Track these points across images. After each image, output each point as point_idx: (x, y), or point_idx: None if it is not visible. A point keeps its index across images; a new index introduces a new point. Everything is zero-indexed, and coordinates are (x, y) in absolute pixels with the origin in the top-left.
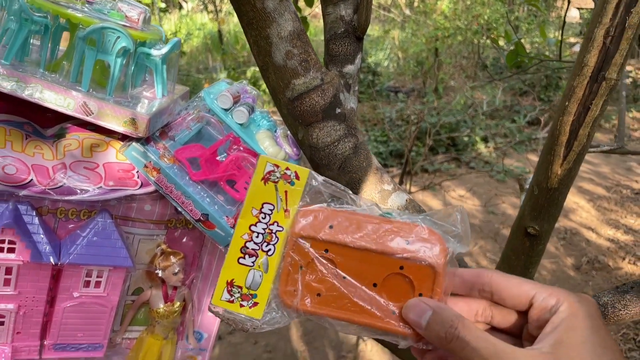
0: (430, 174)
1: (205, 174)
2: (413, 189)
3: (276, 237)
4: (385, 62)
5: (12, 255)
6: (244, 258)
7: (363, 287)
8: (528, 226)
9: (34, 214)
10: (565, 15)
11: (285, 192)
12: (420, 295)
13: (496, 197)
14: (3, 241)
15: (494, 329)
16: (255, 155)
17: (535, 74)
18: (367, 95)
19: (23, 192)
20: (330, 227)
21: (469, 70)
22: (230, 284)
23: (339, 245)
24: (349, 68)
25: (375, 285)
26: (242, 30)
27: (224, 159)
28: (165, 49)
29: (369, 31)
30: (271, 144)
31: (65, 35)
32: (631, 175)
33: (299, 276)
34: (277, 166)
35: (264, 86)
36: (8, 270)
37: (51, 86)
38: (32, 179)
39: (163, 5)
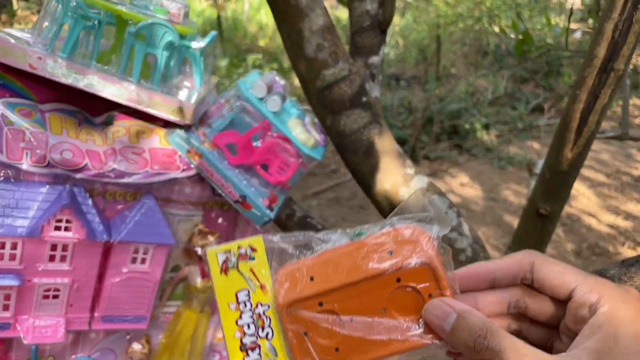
0: (432, 162)
1: (242, 159)
2: None
3: (267, 317)
4: (386, 49)
5: (69, 234)
6: (248, 355)
7: (375, 319)
8: (540, 207)
9: (87, 195)
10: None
11: (251, 269)
12: (431, 296)
13: (498, 184)
14: (61, 220)
15: (529, 320)
16: (288, 141)
17: (536, 62)
18: None
19: (79, 175)
20: (311, 279)
21: (471, 57)
22: None
23: (329, 293)
24: (374, 59)
25: (384, 310)
26: (241, 17)
27: (258, 145)
28: (203, 42)
29: None
30: (302, 131)
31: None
32: (631, 162)
33: (308, 344)
34: (229, 251)
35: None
36: (64, 247)
37: (106, 77)
38: (86, 163)
39: None
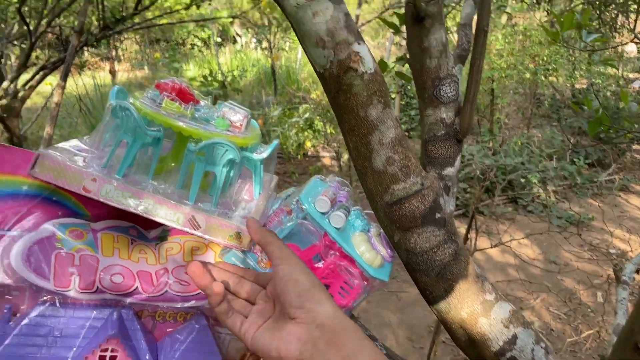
0: (485, 217)
1: None
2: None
3: None
4: None
5: None
6: None
7: None
8: None
9: (135, 319)
10: None
11: None
12: None
13: (557, 245)
14: (106, 350)
15: None
16: (352, 261)
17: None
18: (418, 132)
19: (129, 300)
20: None
21: (526, 109)
22: None
23: None
24: (449, 170)
25: None
26: (293, 65)
27: (318, 261)
28: (265, 153)
29: None
30: (367, 249)
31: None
32: None
33: None
34: None
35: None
36: None
37: (162, 201)
38: (137, 287)
39: (219, 39)
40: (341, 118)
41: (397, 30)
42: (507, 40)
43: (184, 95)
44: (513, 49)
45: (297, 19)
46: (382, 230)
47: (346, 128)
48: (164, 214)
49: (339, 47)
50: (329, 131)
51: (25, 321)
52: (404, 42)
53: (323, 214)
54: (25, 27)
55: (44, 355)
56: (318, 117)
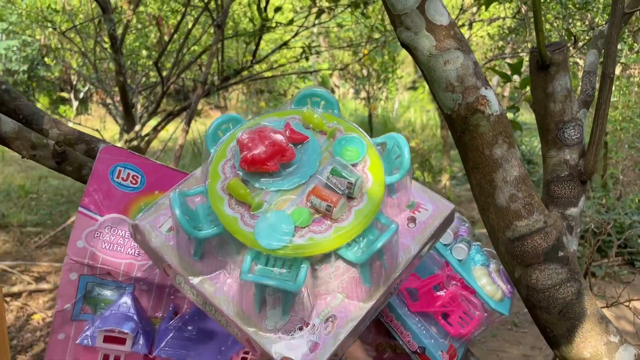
0: (597, 279)
1: (422, 306)
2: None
3: None
4: None
5: None
6: None
7: None
8: None
9: None
10: None
11: None
12: None
13: None
14: (248, 352)
15: None
16: (472, 292)
17: None
18: None
19: None
20: None
21: None
22: None
23: None
24: (572, 210)
25: None
26: (390, 116)
27: (438, 291)
28: (375, 246)
29: (524, 119)
30: (488, 282)
31: None
32: None
33: None
34: None
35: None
36: None
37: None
38: None
39: None
40: (465, 156)
41: (508, 80)
42: (622, 92)
43: (269, 156)
44: (629, 101)
45: (429, 67)
46: (501, 267)
47: (470, 166)
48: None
49: (467, 92)
50: (427, 180)
51: (185, 319)
52: (506, 93)
53: (446, 245)
54: (151, 79)
55: (198, 350)
56: (417, 165)
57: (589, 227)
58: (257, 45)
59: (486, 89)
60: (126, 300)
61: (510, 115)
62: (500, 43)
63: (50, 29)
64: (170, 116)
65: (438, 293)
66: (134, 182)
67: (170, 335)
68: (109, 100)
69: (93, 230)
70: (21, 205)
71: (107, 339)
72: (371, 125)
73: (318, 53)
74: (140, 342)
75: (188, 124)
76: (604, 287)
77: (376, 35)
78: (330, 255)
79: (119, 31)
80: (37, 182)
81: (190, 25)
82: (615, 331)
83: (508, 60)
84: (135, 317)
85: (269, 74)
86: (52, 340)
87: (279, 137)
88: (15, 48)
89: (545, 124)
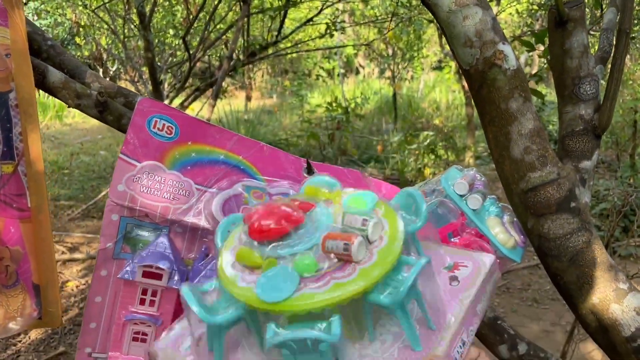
0: (623, 259)
1: None
2: None
3: None
4: None
5: None
6: None
7: None
8: None
9: None
10: None
11: None
12: None
13: None
14: None
15: None
16: (487, 240)
17: None
18: None
19: None
20: None
21: None
22: None
23: None
24: (586, 164)
25: None
26: (416, 96)
27: (452, 238)
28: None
29: (552, 98)
30: (501, 231)
31: None
32: None
33: None
34: None
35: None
36: None
37: None
38: None
39: (342, 70)
40: (483, 110)
41: (532, 48)
42: None
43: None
44: None
45: (448, 23)
46: (515, 219)
47: (487, 120)
48: None
49: (485, 46)
50: (451, 158)
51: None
52: (534, 70)
53: (461, 196)
54: (180, 56)
55: None
56: (441, 144)
57: (614, 203)
58: (282, 21)
59: (504, 44)
60: (163, 240)
61: (532, 83)
62: (529, 20)
63: (81, 7)
64: (197, 91)
65: (453, 239)
66: (169, 132)
67: (202, 273)
68: (137, 78)
69: (132, 175)
70: (54, 179)
71: (146, 274)
72: (395, 105)
73: (343, 29)
74: (175, 278)
75: (215, 98)
76: (628, 267)
77: (401, 11)
78: (366, 326)
79: (148, 8)
80: (69, 157)
81: (216, 2)
82: (625, 279)
83: None
84: (170, 256)
85: (293, 50)
86: (95, 277)
87: (285, 207)
88: (46, 28)
89: (561, 80)
